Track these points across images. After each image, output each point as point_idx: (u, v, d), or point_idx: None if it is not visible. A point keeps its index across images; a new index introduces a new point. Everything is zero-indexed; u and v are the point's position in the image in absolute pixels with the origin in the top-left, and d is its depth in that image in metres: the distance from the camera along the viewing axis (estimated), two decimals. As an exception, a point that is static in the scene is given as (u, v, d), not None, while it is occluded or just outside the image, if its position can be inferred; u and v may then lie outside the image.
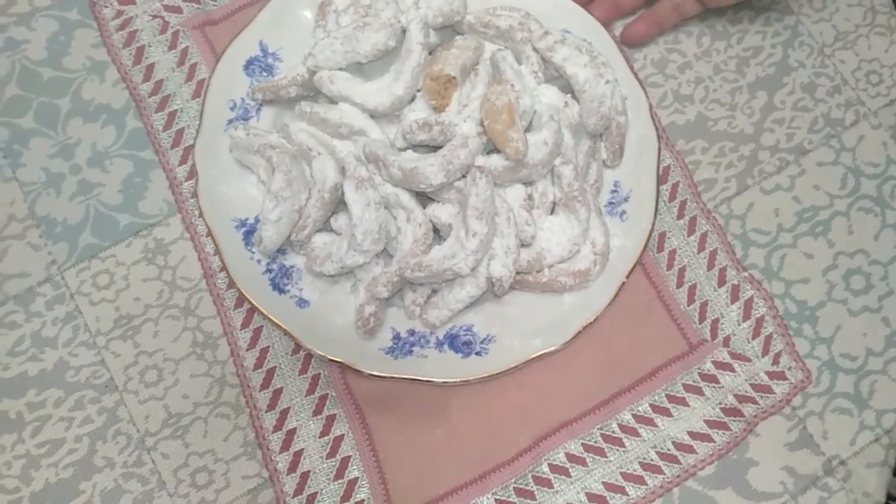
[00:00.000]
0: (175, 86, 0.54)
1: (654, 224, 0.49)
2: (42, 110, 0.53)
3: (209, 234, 0.48)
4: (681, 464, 0.49)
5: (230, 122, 0.50)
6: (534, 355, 0.47)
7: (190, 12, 0.55)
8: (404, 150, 0.47)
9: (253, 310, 0.50)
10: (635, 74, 0.52)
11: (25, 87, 0.54)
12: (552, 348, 0.47)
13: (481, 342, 0.48)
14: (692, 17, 0.56)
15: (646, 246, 0.49)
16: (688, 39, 0.58)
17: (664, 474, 0.48)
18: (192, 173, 0.51)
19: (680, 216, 0.53)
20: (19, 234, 0.51)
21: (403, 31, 0.47)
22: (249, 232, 0.49)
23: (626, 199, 0.51)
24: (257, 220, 0.49)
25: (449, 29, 0.50)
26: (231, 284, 0.50)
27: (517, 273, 0.48)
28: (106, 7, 0.55)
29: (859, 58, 0.57)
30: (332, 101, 0.49)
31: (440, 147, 0.46)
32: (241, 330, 0.50)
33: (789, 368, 0.51)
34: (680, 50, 0.57)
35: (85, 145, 0.53)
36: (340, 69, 0.48)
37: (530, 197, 0.48)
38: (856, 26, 0.58)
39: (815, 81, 0.57)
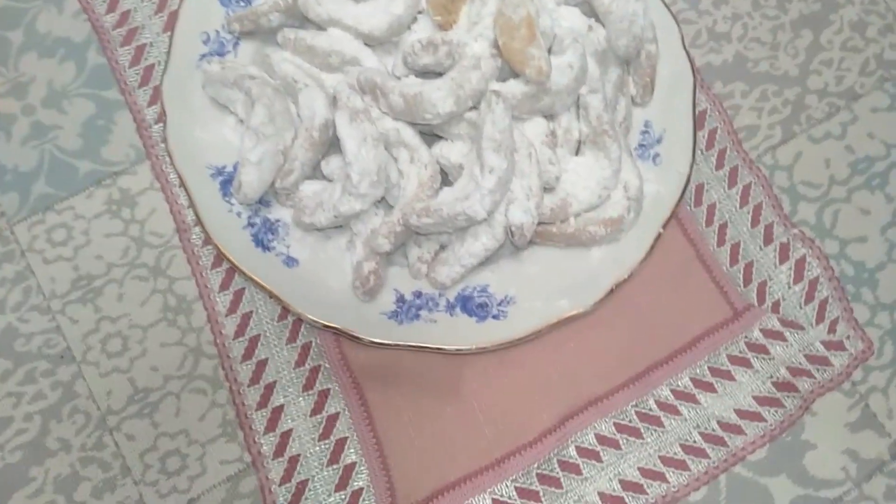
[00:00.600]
0: (144, 17, 0.50)
1: (692, 167, 0.45)
2: (-9, 44, 0.50)
3: (182, 183, 0.43)
4: (728, 446, 0.44)
5: (203, 56, 0.45)
6: (559, 318, 0.43)
7: None
8: (406, 77, 0.41)
9: (233, 270, 0.45)
10: (664, 2, 0.48)
11: (-28, 19, 0.50)
12: (580, 310, 0.43)
13: (499, 304, 0.44)
14: None
15: (684, 192, 0.45)
16: None
17: (709, 458, 0.44)
18: (162, 115, 0.45)
19: (719, 166, 0.50)
20: (-38, 184, 0.47)
21: (403, -59, 0.42)
22: (227, 181, 0.44)
23: (658, 141, 0.46)
24: (237, 168, 0.43)
25: (456, -58, 0.44)
26: (208, 240, 0.45)
27: (539, 224, 0.42)
28: None
29: None
30: (321, 27, 0.43)
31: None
32: (219, 293, 0.46)
33: (848, 337, 0.47)
34: None
35: (40, 83, 0.49)
36: (329, -11, 0.42)
37: (553, 133, 0.43)
38: (908, -41, 0.54)
39: (865, 19, 0.53)
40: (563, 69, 0.40)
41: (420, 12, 0.43)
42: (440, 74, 0.41)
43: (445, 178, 0.43)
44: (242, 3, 0.46)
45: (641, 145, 0.46)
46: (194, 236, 0.46)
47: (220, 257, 0.45)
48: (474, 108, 0.40)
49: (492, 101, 0.38)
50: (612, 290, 0.43)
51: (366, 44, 0.43)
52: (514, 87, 0.40)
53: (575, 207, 0.43)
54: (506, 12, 0.39)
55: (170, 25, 0.48)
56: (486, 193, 0.38)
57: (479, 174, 0.38)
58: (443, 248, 0.43)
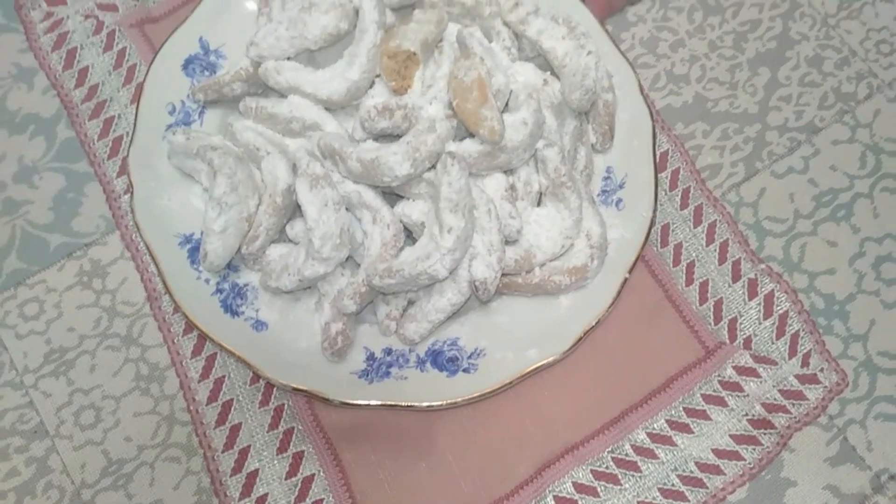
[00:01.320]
0: (112, 90, 0.51)
1: (655, 211, 0.45)
2: (-38, 124, 0.50)
3: (150, 254, 0.44)
4: (707, 488, 0.44)
5: (169, 127, 0.46)
6: (530, 368, 0.43)
7: (127, 10, 0.52)
8: (364, 141, 0.42)
9: (204, 336, 0.44)
10: (619, 49, 0.48)
11: (-57, 99, 0.51)
12: (550, 359, 0.43)
13: (469, 357, 0.44)
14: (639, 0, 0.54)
15: (648, 236, 0.45)
16: (678, 16, 0.54)
17: (689, 501, 0.44)
18: (130, 186, 0.46)
19: (684, 206, 0.50)
20: (-66, 261, 0.48)
21: (356, 11, 0.43)
22: (196, 249, 0.45)
23: (621, 186, 0.47)
24: (204, 236, 0.44)
25: (408, 9, 0.46)
26: (178, 308, 0.44)
27: (504, 275, 0.43)
28: (34, 9, 0.52)
29: (867, 27, 0.55)
30: (282, 95, 0.44)
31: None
32: (191, 359, 0.46)
33: (821, 370, 0.46)
34: (670, 27, 0.54)
35: (11, 159, 0.49)
36: (288, 59, 0.44)
37: (512, 187, 0.43)
38: (860, -6, 0.55)
39: (822, 54, 0.54)
40: (518, 126, 0.41)
41: (378, 76, 0.44)
42: (398, 137, 0.42)
43: (410, 234, 0.44)
44: (206, 73, 0.47)
45: (604, 191, 0.47)
46: (165, 304, 0.46)
47: (191, 324, 0.45)
48: (432, 168, 0.41)
49: (447, 163, 0.39)
50: (581, 338, 0.43)
51: (326, 108, 0.44)
52: (470, 147, 0.41)
53: (539, 258, 0.43)
54: (458, 75, 0.40)
55: (136, 97, 0.48)
56: (445, 253, 0.39)
57: (438, 234, 0.39)
58: (411, 303, 0.44)
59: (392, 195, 0.43)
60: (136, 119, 0.45)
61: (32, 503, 0.43)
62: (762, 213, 0.49)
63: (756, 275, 0.48)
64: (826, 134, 0.51)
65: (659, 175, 0.48)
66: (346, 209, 0.42)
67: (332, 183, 0.41)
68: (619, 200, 0.46)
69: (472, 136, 0.41)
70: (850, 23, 0.54)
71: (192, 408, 0.44)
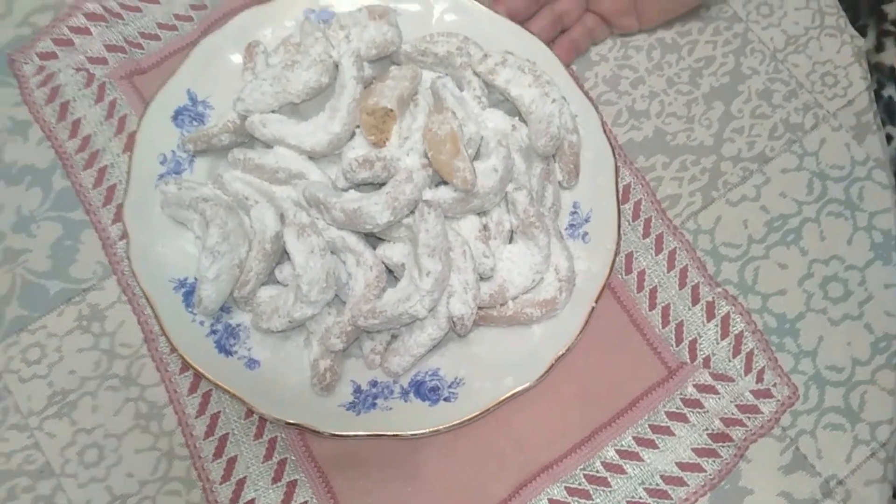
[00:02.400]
0: (104, 140, 0.52)
1: (618, 244, 0.48)
2: (-40, 177, 0.51)
3: (147, 299, 0.46)
4: (672, 499, 0.47)
5: (161, 176, 0.48)
6: (506, 395, 0.45)
7: (116, 62, 0.53)
8: (347, 190, 0.45)
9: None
10: (583, 91, 0.51)
11: (-60, 153, 0.52)
12: (525, 385, 0.45)
13: (449, 386, 0.46)
14: (602, 41, 0.57)
15: (612, 267, 0.48)
16: (638, 54, 0.57)
17: None
18: (125, 234, 0.48)
19: (646, 235, 0.52)
20: (-63, 311, 0.49)
21: (336, 66, 0.45)
22: (190, 293, 0.47)
23: (587, 220, 0.49)
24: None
25: (385, 60, 0.49)
26: (175, 350, 0.47)
27: (480, 308, 0.46)
28: (26, 63, 0.53)
29: (812, 60, 0.57)
30: (268, 145, 0.46)
31: (384, 184, 0.43)
32: (188, 396, 0.47)
33: (774, 385, 0.49)
34: (631, 65, 0.57)
35: (9, 210, 0.50)
36: (273, 111, 0.46)
37: (485, 227, 0.46)
38: (805, 29, 0.58)
39: (771, 87, 0.56)
40: (489, 173, 0.44)
41: (358, 127, 0.46)
42: (378, 185, 0.45)
43: (393, 273, 0.46)
44: (196, 124, 0.49)
45: (571, 225, 0.49)
46: (162, 345, 0.48)
47: (187, 364, 0.47)
48: (410, 213, 0.44)
49: (424, 212, 0.42)
50: (553, 365, 0.45)
51: (310, 159, 0.46)
52: (445, 193, 0.44)
53: (512, 292, 0.46)
54: (432, 128, 0.43)
55: (128, 146, 0.51)
56: (424, 294, 0.41)
57: (417, 277, 0.42)
58: (394, 338, 0.46)
59: (373, 237, 0.46)
60: (129, 171, 0.47)
61: (41, 540, 0.44)
62: (718, 239, 0.52)
63: (713, 298, 0.50)
64: (776, 163, 0.54)
65: (622, 206, 0.50)
66: (332, 252, 0.45)
67: (318, 230, 0.43)
68: (586, 234, 0.49)
69: (446, 183, 0.44)
70: (797, 56, 0.56)
71: (190, 443, 0.46)
